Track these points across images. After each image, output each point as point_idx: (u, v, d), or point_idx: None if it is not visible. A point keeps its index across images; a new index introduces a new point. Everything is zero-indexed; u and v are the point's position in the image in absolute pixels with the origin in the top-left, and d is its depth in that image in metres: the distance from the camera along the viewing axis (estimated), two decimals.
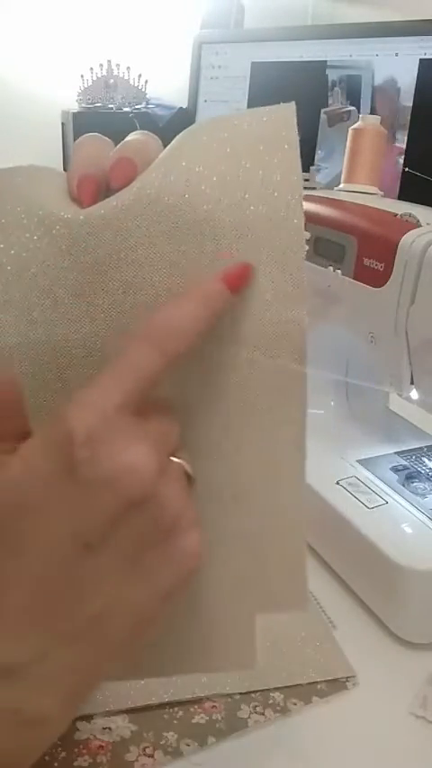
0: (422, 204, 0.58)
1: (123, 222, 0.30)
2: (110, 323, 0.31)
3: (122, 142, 0.32)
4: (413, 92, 0.97)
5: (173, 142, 0.32)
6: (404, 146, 0.98)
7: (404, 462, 0.64)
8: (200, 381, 0.32)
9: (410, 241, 0.51)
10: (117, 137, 0.35)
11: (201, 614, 0.35)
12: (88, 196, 0.31)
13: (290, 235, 0.30)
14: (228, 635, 0.36)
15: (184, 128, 0.33)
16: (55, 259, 0.30)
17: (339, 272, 0.57)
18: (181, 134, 0.32)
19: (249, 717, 0.46)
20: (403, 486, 0.61)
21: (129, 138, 0.33)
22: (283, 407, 0.32)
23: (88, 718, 0.44)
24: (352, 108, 1.06)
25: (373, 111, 1.03)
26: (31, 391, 0.31)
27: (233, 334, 0.31)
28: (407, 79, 0.97)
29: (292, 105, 0.31)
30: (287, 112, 0.31)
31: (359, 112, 1.04)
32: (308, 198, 0.60)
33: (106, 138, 0.34)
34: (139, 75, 1.37)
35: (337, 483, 0.59)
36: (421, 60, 0.95)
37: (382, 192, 0.67)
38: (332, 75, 1.08)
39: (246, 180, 0.30)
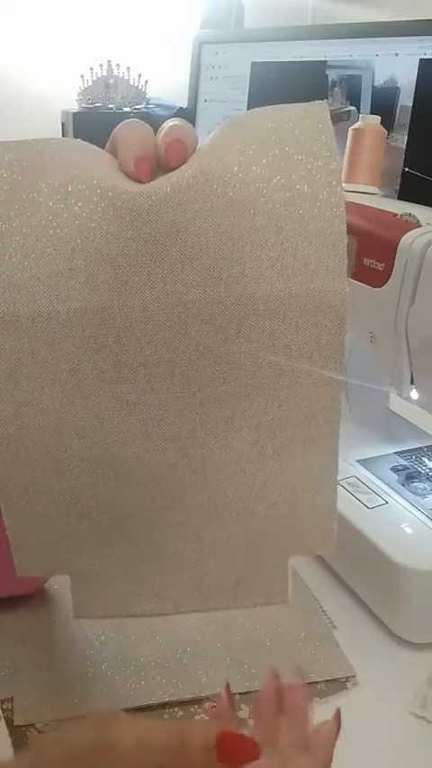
0: (422, 204, 0.58)
1: (183, 196, 0.32)
2: (168, 290, 0.33)
3: (169, 126, 0.34)
4: (413, 92, 0.97)
5: (222, 129, 0.35)
6: (404, 146, 0.98)
7: (404, 462, 0.64)
8: (247, 349, 0.34)
9: (410, 241, 0.51)
10: None
11: (236, 555, 0.37)
12: (147, 174, 0.33)
13: (332, 212, 0.32)
14: (262, 573, 0.38)
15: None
16: (118, 230, 0.32)
17: None
18: (229, 122, 0.35)
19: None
20: (403, 486, 0.61)
21: (172, 122, 0.34)
22: (321, 369, 0.34)
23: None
24: (352, 108, 1.06)
25: (373, 112, 1.03)
26: (91, 352, 0.33)
27: (278, 306, 0.33)
28: (407, 79, 0.97)
29: (325, 103, 0.34)
30: (322, 108, 0.34)
31: (359, 112, 1.04)
32: None
33: (145, 123, 0.35)
34: (139, 75, 1.37)
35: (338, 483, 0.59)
36: (421, 60, 0.95)
37: (382, 192, 0.67)
38: (332, 75, 1.08)
39: (291, 163, 0.33)
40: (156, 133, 0.35)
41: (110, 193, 0.32)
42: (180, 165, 0.33)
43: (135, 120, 0.36)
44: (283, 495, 0.37)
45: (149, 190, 0.32)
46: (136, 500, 0.36)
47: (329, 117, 0.34)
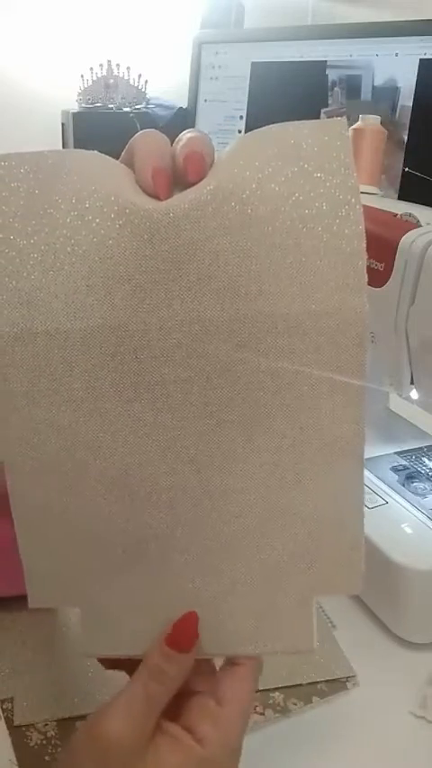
0: (422, 204, 0.58)
1: (201, 213, 0.32)
2: (185, 308, 0.32)
3: (187, 137, 0.34)
4: (413, 92, 0.97)
5: (240, 143, 0.34)
6: (404, 146, 0.98)
7: (404, 462, 0.64)
8: (266, 368, 0.34)
9: (410, 241, 0.51)
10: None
11: (256, 591, 0.36)
12: (164, 188, 0.32)
13: (351, 229, 0.32)
14: (283, 615, 0.36)
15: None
16: (136, 248, 0.32)
17: None
18: (247, 136, 0.34)
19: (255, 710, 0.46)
20: (403, 486, 0.61)
21: (190, 134, 0.34)
22: (342, 391, 0.34)
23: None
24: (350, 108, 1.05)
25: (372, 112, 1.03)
26: (108, 370, 0.33)
27: (297, 324, 0.33)
28: (407, 79, 0.97)
29: (344, 120, 0.34)
30: (341, 125, 0.34)
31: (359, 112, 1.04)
32: None
33: (162, 134, 0.35)
34: (139, 75, 1.37)
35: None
36: (421, 60, 0.95)
37: (382, 192, 0.67)
38: (332, 75, 1.08)
39: (310, 180, 0.32)
40: (173, 143, 0.34)
41: (127, 210, 0.32)
42: (199, 179, 0.33)
43: (153, 130, 0.35)
44: (306, 526, 0.35)
45: (167, 207, 0.32)
46: (151, 525, 0.35)
47: (348, 133, 0.33)
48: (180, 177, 0.33)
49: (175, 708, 0.35)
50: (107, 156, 0.35)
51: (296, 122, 0.34)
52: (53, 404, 0.34)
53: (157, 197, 0.32)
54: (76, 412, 0.34)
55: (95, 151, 0.35)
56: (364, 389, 0.33)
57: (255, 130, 0.34)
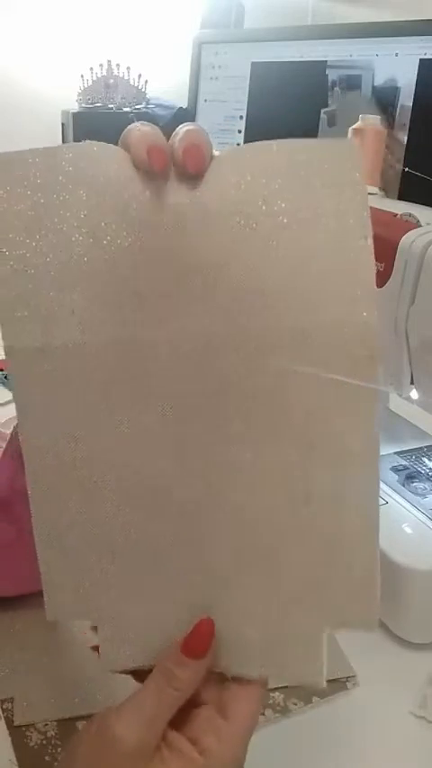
0: (422, 204, 0.58)
1: (209, 229, 0.32)
2: (192, 321, 0.33)
3: (184, 130, 0.33)
4: (413, 92, 0.97)
5: (251, 153, 0.33)
6: (404, 146, 0.98)
7: (404, 462, 0.64)
8: (273, 382, 0.33)
9: (410, 241, 0.51)
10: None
11: (266, 614, 0.35)
12: (160, 162, 0.32)
13: (359, 244, 0.32)
14: (291, 643, 0.35)
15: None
16: (146, 263, 0.33)
17: None
18: (259, 147, 0.33)
19: None
20: (403, 486, 0.61)
21: (185, 127, 0.34)
22: (353, 405, 0.33)
23: (87, 718, 0.44)
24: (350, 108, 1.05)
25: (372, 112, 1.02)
26: (121, 383, 0.34)
27: (304, 338, 0.33)
28: (407, 79, 0.97)
29: (354, 141, 0.34)
30: (351, 146, 0.33)
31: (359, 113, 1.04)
32: None
33: (155, 126, 0.35)
34: (139, 75, 1.37)
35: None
36: (421, 60, 0.95)
37: (382, 192, 0.67)
38: (332, 75, 1.08)
39: (318, 197, 0.32)
40: (170, 139, 0.34)
41: (136, 226, 0.32)
42: (198, 172, 0.32)
43: (141, 122, 0.35)
44: (316, 548, 0.34)
45: (176, 221, 0.32)
46: (166, 537, 0.35)
47: (360, 155, 0.33)
48: (179, 169, 0.33)
49: (181, 717, 0.35)
50: (102, 147, 0.34)
51: (307, 140, 0.33)
52: (71, 416, 0.34)
53: (153, 172, 0.32)
54: (92, 424, 0.34)
55: (87, 141, 0.34)
56: (378, 404, 0.33)
57: (266, 141, 0.34)
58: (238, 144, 1.23)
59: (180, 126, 0.34)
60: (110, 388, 0.34)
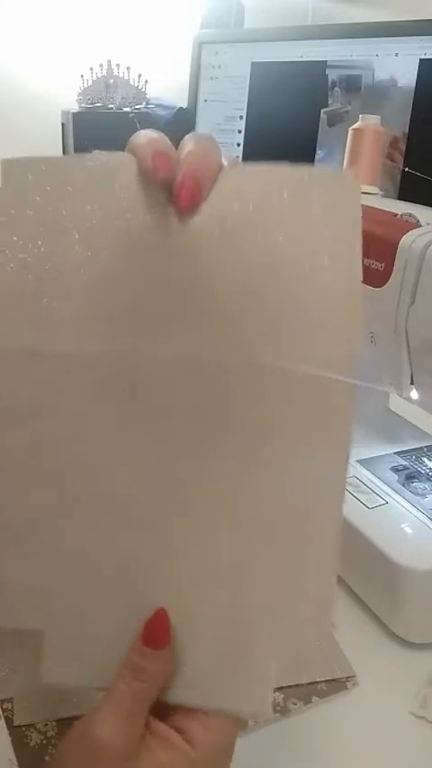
0: (422, 204, 0.58)
1: (206, 254, 0.33)
2: (183, 342, 0.33)
3: (187, 151, 0.33)
4: (413, 92, 0.97)
5: (252, 179, 0.33)
6: (404, 146, 0.98)
7: (404, 462, 0.64)
8: (256, 409, 0.34)
9: (410, 241, 0.51)
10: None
11: (220, 639, 0.35)
12: (164, 169, 0.32)
13: (349, 282, 0.33)
14: (239, 671, 0.35)
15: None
16: (143, 281, 0.33)
17: None
18: (259, 173, 0.33)
19: None
20: (403, 486, 0.61)
21: (191, 144, 0.33)
22: (328, 437, 0.34)
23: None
24: (349, 107, 1.06)
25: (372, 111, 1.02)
26: (107, 394, 0.34)
27: (288, 369, 0.33)
28: (407, 79, 0.97)
29: (353, 177, 0.34)
30: (352, 180, 0.34)
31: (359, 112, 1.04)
32: None
33: (159, 132, 0.35)
34: (139, 75, 1.37)
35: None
36: (421, 60, 0.95)
37: (382, 192, 0.67)
38: (332, 75, 1.08)
39: (313, 232, 0.33)
40: (177, 146, 0.34)
41: (135, 245, 0.33)
42: (189, 207, 0.32)
43: (150, 129, 0.35)
44: (276, 576, 0.34)
45: (174, 243, 0.33)
46: (134, 552, 0.35)
47: (359, 187, 0.33)
48: (173, 198, 0.33)
49: (166, 708, 0.35)
50: (108, 158, 0.34)
51: (308, 169, 0.33)
52: (54, 422, 0.34)
53: (157, 179, 0.32)
54: (74, 432, 0.35)
55: (96, 152, 0.34)
56: (351, 436, 0.33)
57: (267, 166, 0.34)
58: (239, 144, 1.23)
59: (188, 137, 0.34)
60: (96, 399, 0.34)
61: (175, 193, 0.32)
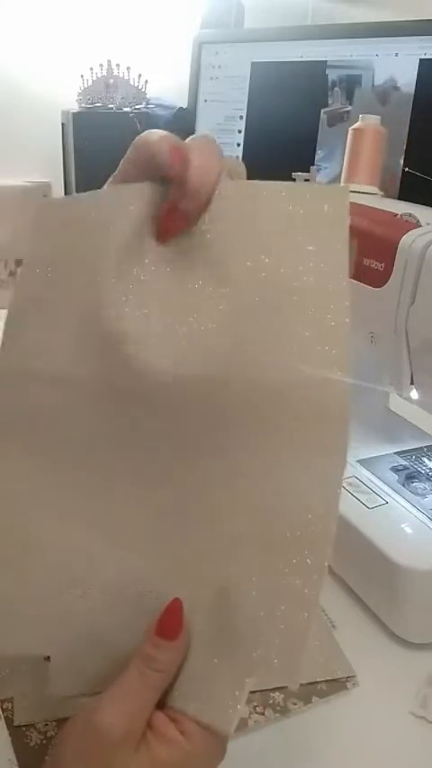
0: (422, 204, 0.58)
1: (191, 274, 0.34)
2: (174, 367, 0.34)
3: (190, 174, 0.33)
4: (413, 92, 0.97)
5: (244, 201, 0.34)
6: (404, 146, 0.98)
7: (404, 462, 0.64)
8: (246, 432, 0.34)
9: (410, 241, 0.51)
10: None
11: (201, 654, 0.35)
12: (182, 159, 0.32)
13: (336, 305, 0.33)
14: (214, 686, 0.35)
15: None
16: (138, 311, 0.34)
17: None
18: (251, 195, 0.34)
19: (249, 717, 0.46)
20: (403, 486, 0.61)
21: (194, 164, 0.33)
22: (321, 461, 0.33)
23: None
24: (350, 108, 1.06)
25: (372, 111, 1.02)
26: (101, 418, 0.35)
27: (278, 391, 0.33)
28: (407, 79, 0.97)
29: (347, 189, 0.34)
30: (342, 194, 0.33)
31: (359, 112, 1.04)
32: None
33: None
34: (139, 75, 1.37)
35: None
36: (421, 60, 0.95)
37: (382, 192, 0.67)
38: (332, 75, 1.07)
39: (300, 254, 0.33)
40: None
41: (136, 281, 0.34)
42: (167, 239, 0.33)
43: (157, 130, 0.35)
44: (257, 604, 0.34)
45: (172, 273, 0.34)
46: (128, 571, 0.36)
47: (348, 203, 0.33)
48: (162, 220, 0.34)
49: (162, 700, 0.35)
50: (118, 192, 0.35)
51: (298, 186, 0.33)
52: (51, 441, 0.35)
53: (171, 174, 0.32)
54: (68, 451, 0.35)
55: (109, 187, 0.35)
56: (345, 460, 0.33)
57: (260, 183, 0.34)
58: (239, 144, 1.23)
59: (192, 145, 0.34)
60: (88, 420, 0.35)
61: (161, 222, 0.33)
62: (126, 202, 0.34)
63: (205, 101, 1.29)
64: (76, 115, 1.33)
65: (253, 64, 1.19)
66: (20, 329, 0.35)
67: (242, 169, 0.37)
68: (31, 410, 0.35)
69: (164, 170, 0.33)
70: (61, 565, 0.36)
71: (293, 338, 0.33)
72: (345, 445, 0.33)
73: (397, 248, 0.52)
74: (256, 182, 0.34)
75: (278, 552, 0.34)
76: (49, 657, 0.37)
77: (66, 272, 0.34)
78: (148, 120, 1.32)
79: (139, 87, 1.37)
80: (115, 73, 1.35)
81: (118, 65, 1.35)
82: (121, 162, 0.36)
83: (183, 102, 1.33)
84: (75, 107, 1.36)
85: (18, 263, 1.36)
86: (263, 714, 0.46)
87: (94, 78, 1.35)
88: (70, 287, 0.34)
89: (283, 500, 0.34)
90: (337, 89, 1.07)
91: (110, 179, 0.36)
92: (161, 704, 0.35)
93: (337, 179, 0.98)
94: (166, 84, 1.40)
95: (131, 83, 1.37)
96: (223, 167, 0.34)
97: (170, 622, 0.35)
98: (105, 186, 0.36)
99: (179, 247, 0.34)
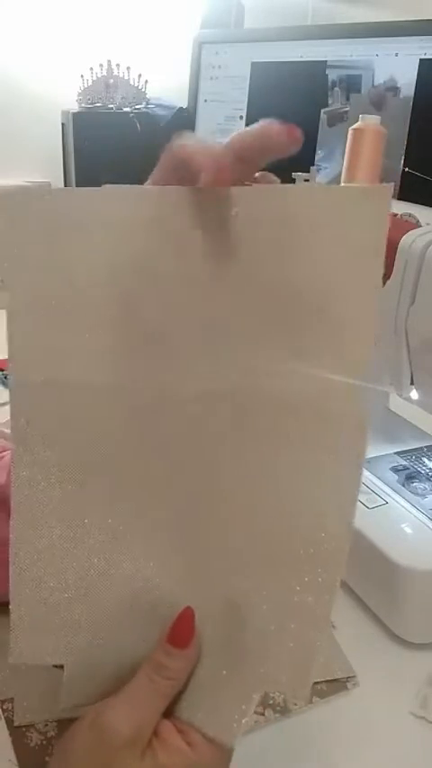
0: (422, 204, 0.58)
1: (223, 278, 0.33)
2: (193, 375, 0.34)
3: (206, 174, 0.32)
4: (413, 92, 0.97)
5: (269, 195, 0.33)
6: (404, 146, 0.98)
7: (404, 462, 0.64)
8: (260, 438, 0.34)
9: (410, 241, 0.51)
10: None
11: (211, 666, 0.35)
12: (226, 181, 0.32)
13: (363, 316, 0.33)
14: (220, 699, 0.34)
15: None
16: (154, 312, 0.34)
17: None
18: (277, 193, 0.33)
19: (249, 717, 0.46)
20: (403, 486, 0.61)
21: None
22: (335, 474, 0.33)
23: None
24: (349, 107, 1.06)
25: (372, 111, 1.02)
26: (118, 425, 0.35)
27: (293, 404, 0.33)
28: (407, 79, 0.97)
29: (389, 189, 0.32)
30: (382, 195, 0.31)
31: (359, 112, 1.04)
32: None
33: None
34: (139, 75, 1.37)
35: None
36: (421, 60, 0.95)
37: None
38: (332, 75, 1.07)
39: (332, 254, 0.32)
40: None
41: (147, 277, 0.33)
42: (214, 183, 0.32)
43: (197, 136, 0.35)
44: (266, 621, 0.34)
45: (187, 275, 0.33)
46: (145, 580, 0.36)
47: (389, 205, 0.31)
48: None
49: (168, 709, 0.35)
50: (117, 190, 0.34)
51: (333, 188, 0.32)
52: (64, 452, 0.35)
53: (220, 182, 0.32)
54: (85, 461, 0.35)
55: (107, 186, 0.34)
56: (361, 473, 0.33)
57: (282, 187, 0.33)
58: None
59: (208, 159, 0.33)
60: (107, 429, 0.35)
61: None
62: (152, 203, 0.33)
63: (205, 101, 1.29)
64: (76, 115, 1.33)
65: (253, 64, 1.19)
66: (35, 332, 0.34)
67: (275, 179, 0.37)
68: (48, 414, 0.35)
69: (209, 183, 0.32)
70: (76, 574, 0.35)
71: (310, 350, 0.32)
72: (362, 460, 0.33)
73: (397, 248, 0.52)
74: (286, 185, 0.33)
75: (291, 569, 0.33)
76: (60, 666, 0.37)
77: (86, 272, 0.34)
78: (148, 120, 1.32)
79: (139, 87, 1.37)
80: (115, 73, 1.35)
81: (118, 65, 1.35)
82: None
83: (183, 102, 1.33)
84: (75, 107, 1.36)
85: None
86: (263, 714, 0.46)
87: (94, 78, 1.35)
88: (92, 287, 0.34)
89: (298, 517, 0.33)
90: (337, 89, 1.07)
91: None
92: (169, 713, 0.35)
93: (336, 179, 0.98)
94: (166, 84, 1.40)
95: (131, 83, 1.37)
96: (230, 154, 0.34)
97: (182, 630, 0.35)
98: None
99: (205, 253, 0.33)
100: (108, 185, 0.33)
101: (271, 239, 0.32)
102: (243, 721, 0.34)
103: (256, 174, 0.35)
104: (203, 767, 0.34)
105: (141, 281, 0.33)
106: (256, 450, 0.34)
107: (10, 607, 0.35)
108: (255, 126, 0.34)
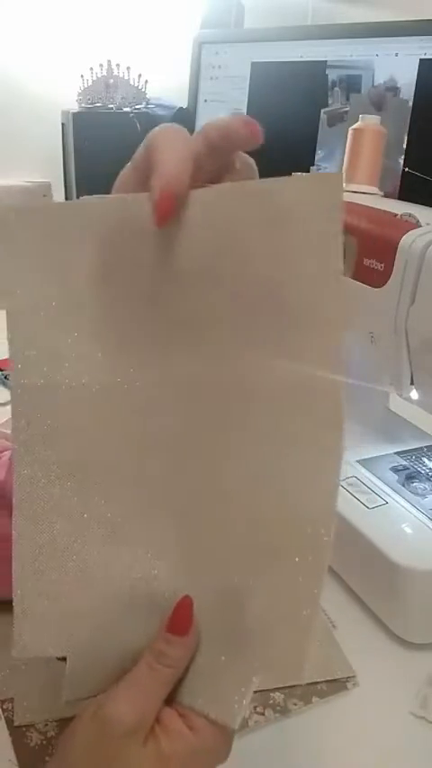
0: (422, 204, 0.58)
1: (189, 277, 0.34)
2: (181, 368, 0.35)
3: (159, 172, 0.33)
4: (413, 92, 0.97)
5: (233, 203, 0.33)
6: (404, 146, 0.98)
7: (404, 462, 0.64)
8: (247, 427, 0.35)
9: (410, 241, 0.51)
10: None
11: (210, 653, 0.35)
12: (166, 215, 0.33)
13: (332, 298, 0.32)
14: (220, 681, 0.35)
15: (185, 128, 0.35)
16: (141, 313, 0.35)
17: None
18: (232, 191, 0.33)
19: (249, 717, 0.46)
20: (403, 486, 0.61)
21: (164, 162, 0.33)
22: (315, 463, 0.33)
23: None
24: (349, 107, 1.06)
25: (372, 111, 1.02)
26: (117, 423, 0.35)
27: (276, 391, 0.34)
28: (407, 79, 0.97)
29: (340, 176, 0.33)
30: (334, 182, 0.32)
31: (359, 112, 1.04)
32: None
33: (181, 130, 0.36)
34: (139, 75, 1.37)
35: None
36: (421, 60, 0.95)
37: (382, 192, 0.67)
38: (332, 75, 1.07)
39: (291, 253, 0.32)
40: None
41: (135, 280, 0.34)
42: (164, 225, 0.33)
43: (172, 127, 0.35)
44: (261, 603, 0.34)
45: (166, 275, 0.34)
46: (144, 572, 0.36)
47: (341, 190, 0.32)
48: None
49: (169, 694, 0.35)
50: (106, 199, 0.35)
51: (284, 180, 0.33)
52: (68, 448, 0.35)
53: (156, 223, 0.32)
54: (85, 460, 0.36)
55: (96, 196, 0.35)
56: (341, 462, 0.33)
57: (243, 184, 0.34)
58: None
59: (157, 150, 0.34)
60: (106, 428, 0.35)
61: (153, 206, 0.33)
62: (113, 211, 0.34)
63: (205, 101, 1.29)
64: (76, 115, 1.33)
65: (253, 64, 1.19)
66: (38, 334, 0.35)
67: (251, 161, 0.37)
68: (53, 417, 0.35)
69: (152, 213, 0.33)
70: (77, 566, 0.36)
71: (288, 335, 0.33)
72: (341, 445, 0.33)
73: (397, 248, 0.52)
74: (237, 183, 0.34)
75: (281, 552, 0.34)
76: (62, 658, 0.37)
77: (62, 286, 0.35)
78: (148, 120, 1.32)
79: (139, 87, 1.38)
80: (115, 73, 1.36)
81: (118, 65, 1.35)
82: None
83: (183, 102, 1.34)
84: (75, 107, 1.36)
85: None
86: (263, 714, 0.46)
87: (94, 78, 1.35)
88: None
89: (284, 502, 0.34)
90: (336, 89, 1.07)
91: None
92: (170, 700, 0.35)
93: None
94: (166, 84, 1.40)
95: (131, 83, 1.37)
96: (193, 151, 0.34)
97: (180, 619, 0.35)
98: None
99: (179, 253, 0.34)
100: (88, 196, 0.35)
101: (231, 236, 0.33)
102: (244, 702, 0.34)
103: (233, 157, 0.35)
104: (206, 751, 0.34)
105: (127, 282, 0.34)
106: (243, 443, 0.35)
107: (13, 601, 0.36)
108: (220, 120, 0.35)
